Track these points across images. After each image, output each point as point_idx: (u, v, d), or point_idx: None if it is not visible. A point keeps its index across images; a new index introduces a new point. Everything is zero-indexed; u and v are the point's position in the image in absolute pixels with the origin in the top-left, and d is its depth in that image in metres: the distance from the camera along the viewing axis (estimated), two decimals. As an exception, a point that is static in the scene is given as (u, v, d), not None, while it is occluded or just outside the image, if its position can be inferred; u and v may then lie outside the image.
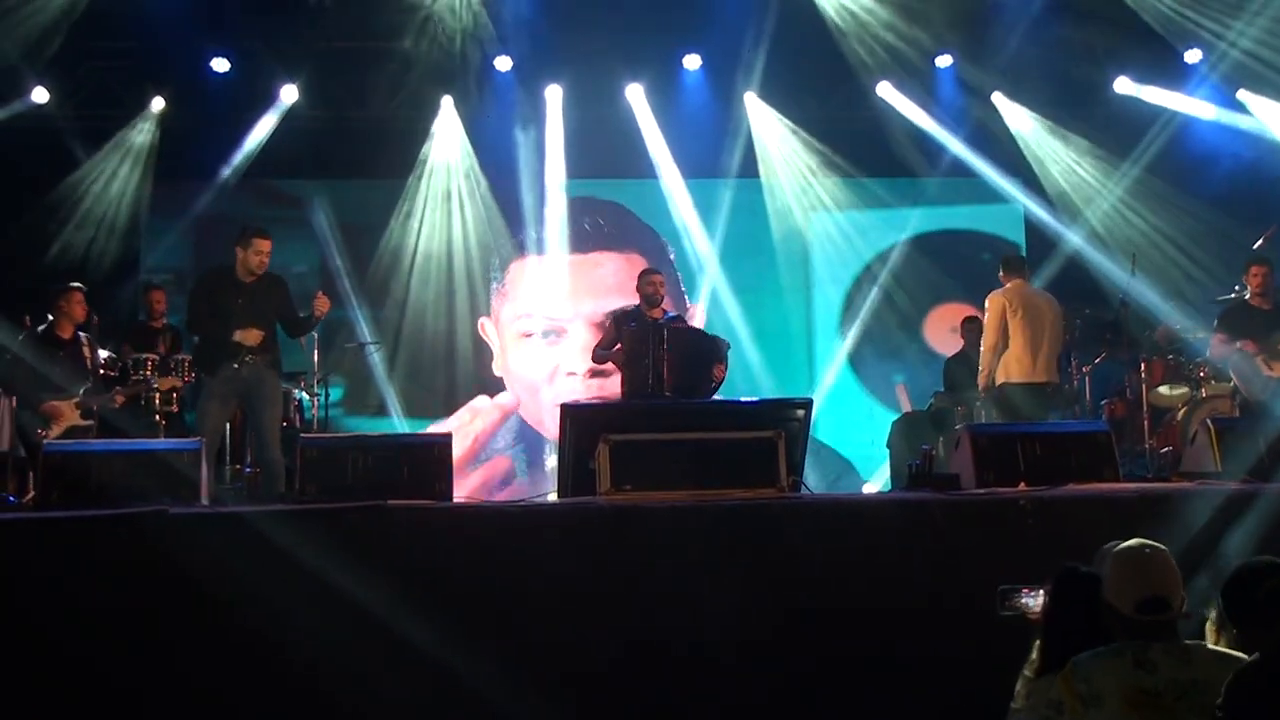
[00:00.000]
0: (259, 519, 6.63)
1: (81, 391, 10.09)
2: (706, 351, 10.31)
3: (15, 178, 13.57)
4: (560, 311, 14.94)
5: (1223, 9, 13.06)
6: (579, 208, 15.12)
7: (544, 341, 14.93)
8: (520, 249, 15.01)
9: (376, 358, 14.05)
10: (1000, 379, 10.87)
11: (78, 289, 10.52)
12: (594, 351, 10.98)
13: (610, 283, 14.75)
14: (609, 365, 10.96)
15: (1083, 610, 4.29)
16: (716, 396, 10.30)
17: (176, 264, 14.08)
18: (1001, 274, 11.11)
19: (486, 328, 14.92)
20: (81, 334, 10.39)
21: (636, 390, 10.04)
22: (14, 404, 9.78)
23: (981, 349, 11.05)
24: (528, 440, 14.81)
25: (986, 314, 11.02)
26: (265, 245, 9.66)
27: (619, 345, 10.41)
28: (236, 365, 9.38)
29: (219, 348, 9.45)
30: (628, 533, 6.71)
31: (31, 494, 8.76)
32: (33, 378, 9.95)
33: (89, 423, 10.04)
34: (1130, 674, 3.91)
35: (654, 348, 10.10)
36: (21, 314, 10.46)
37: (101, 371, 10.48)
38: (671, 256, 15.09)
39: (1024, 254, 11.38)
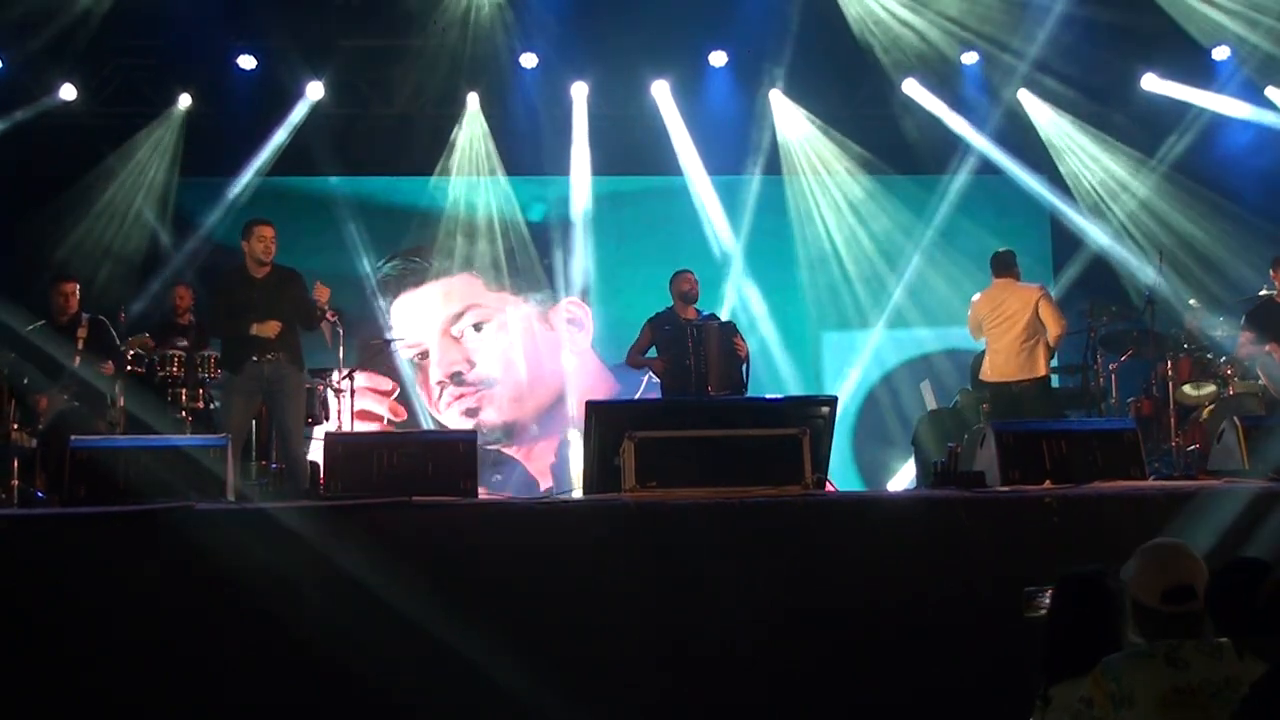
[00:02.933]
0: (284, 515, 6.66)
1: (66, 376, 10.01)
2: (729, 336, 10.64)
3: (43, 175, 13.65)
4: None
5: (1251, 6, 13.01)
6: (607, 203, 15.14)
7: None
8: (548, 241, 15.00)
9: (401, 354, 14.08)
10: (983, 377, 11.19)
11: (62, 278, 10.49)
12: (629, 356, 11.01)
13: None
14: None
15: (1087, 613, 4.27)
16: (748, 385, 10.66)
17: (203, 260, 14.07)
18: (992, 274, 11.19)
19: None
20: (85, 316, 10.32)
21: (678, 391, 10.38)
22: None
23: None
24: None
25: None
26: (268, 231, 9.73)
27: (655, 350, 10.69)
28: (257, 360, 9.43)
29: (241, 344, 9.49)
30: (652, 530, 6.73)
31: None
32: (33, 370, 9.97)
33: (76, 404, 9.97)
34: (1163, 673, 3.89)
35: (693, 348, 10.28)
36: (47, 309, 10.50)
37: (130, 358, 10.49)
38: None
39: (1014, 253, 11.29)
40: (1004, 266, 11.05)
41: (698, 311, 10.87)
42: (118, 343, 10.51)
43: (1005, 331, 10.80)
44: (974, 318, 11.15)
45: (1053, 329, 10.74)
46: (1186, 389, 11.69)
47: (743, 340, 10.71)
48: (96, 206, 13.75)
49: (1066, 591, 4.40)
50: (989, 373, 11.05)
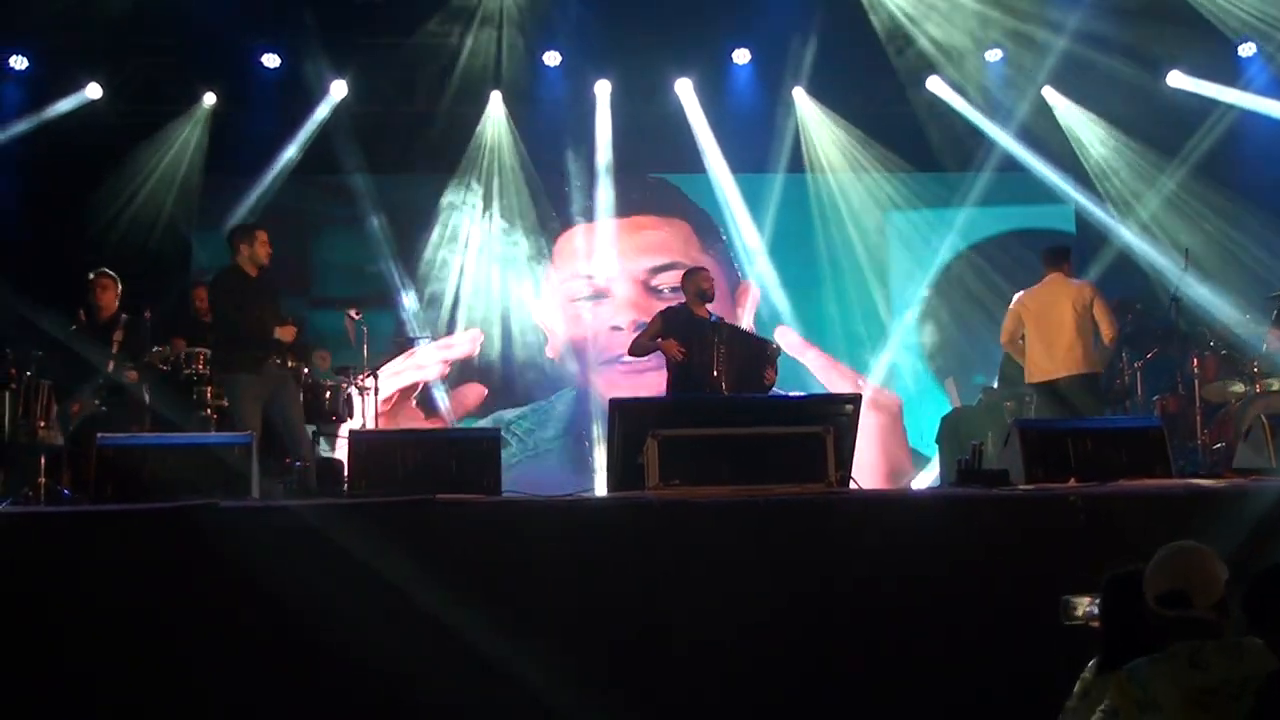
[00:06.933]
0: (309, 513, 6.69)
1: (100, 380, 10.05)
2: (758, 353, 10.28)
3: (68, 173, 13.68)
4: (606, 272, 14.97)
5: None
6: (630, 183, 15.13)
7: (590, 304, 14.92)
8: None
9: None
10: (1029, 380, 10.91)
11: (100, 274, 10.49)
12: (634, 343, 10.57)
13: (654, 242, 14.77)
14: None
15: (1135, 612, 4.26)
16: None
17: (227, 259, 14.11)
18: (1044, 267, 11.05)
19: (544, 319, 14.94)
20: (124, 316, 10.33)
21: (687, 385, 9.98)
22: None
23: None
24: (580, 406, 14.73)
25: None
26: (266, 236, 9.92)
27: (666, 339, 10.13)
28: (267, 363, 9.53)
29: (258, 346, 9.55)
30: (676, 527, 6.73)
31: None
32: (68, 372, 10.01)
33: (103, 409, 10.02)
34: (1186, 675, 3.87)
35: (709, 344, 10.01)
36: (75, 309, 10.54)
37: (150, 360, 10.49)
38: (723, 237, 15.11)
39: (1070, 248, 11.18)
40: (1056, 260, 10.89)
41: (709, 313, 10.55)
42: (146, 347, 10.53)
43: (1059, 329, 10.56)
44: (1014, 317, 10.86)
45: (1106, 330, 10.52)
46: (1213, 386, 11.65)
47: (774, 371, 10.19)
48: (121, 205, 13.78)
49: (1117, 591, 4.38)
50: (1038, 372, 10.71)
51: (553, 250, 15.02)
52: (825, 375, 14.55)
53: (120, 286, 10.61)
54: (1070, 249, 11.19)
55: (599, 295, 14.90)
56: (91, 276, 10.57)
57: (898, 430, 14.57)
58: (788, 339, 14.20)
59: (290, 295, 13.79)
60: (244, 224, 10.26)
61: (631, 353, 10.66)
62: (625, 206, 15.10)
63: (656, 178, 15.24)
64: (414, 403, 14.46)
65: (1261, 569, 4.01)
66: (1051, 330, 10.56)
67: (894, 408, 14.62)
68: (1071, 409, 10.35)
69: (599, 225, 15.05)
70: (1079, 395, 10.46)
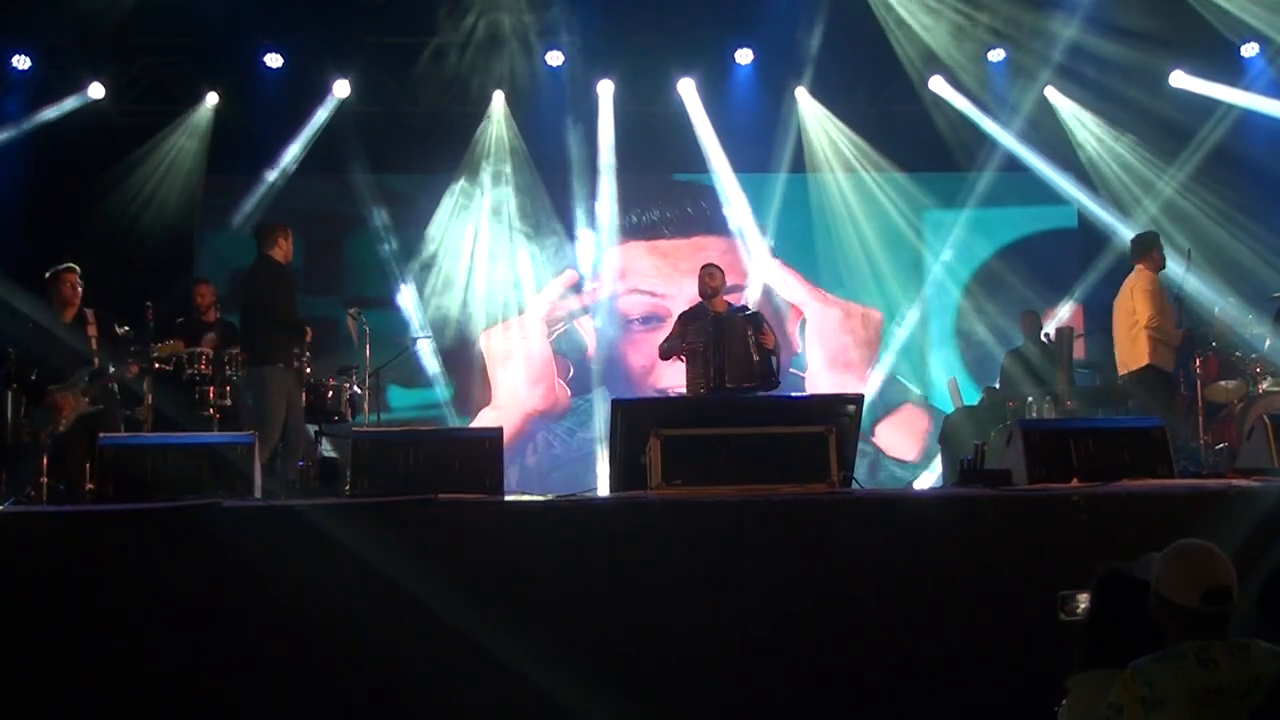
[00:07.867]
0: (311, 512, 6.69)
1: (88, 378, 9.78)
2: (746, 325, 10.62)
3: (72, 172, 13.71)
4: (667, 291, 14.91)
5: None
6: (683, 195, 15.18)
7: (644, 327, 14.88)
8: (573, 239, 14.97)
9: (424, 352, 14.12)
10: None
11: (64, 270, 10.13)
12: (660, 347, 11.06)
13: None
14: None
15: (1128, 612, 4.26)
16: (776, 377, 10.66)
17: (230, 257, 14.13)
18: None
19: (583, 321, 14.95)
20: (88, 311, 10.17)
21: (698, 385, 10.47)
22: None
23: None
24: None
25: None
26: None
27: (683, 337, 10.73)
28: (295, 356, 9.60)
29: (293, 340, 9.61)
30: (679, 527, 6.73)
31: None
32: (40, 367, 9.84)
33: (99, 407, 9.76)
34: (1195, 674, 3.86)
35: (711, 342, 10.39)
36: (50, 303, 10.44)
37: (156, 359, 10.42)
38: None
39: (1152, 236, 11.12)
40: (1135, 251, 10.91)
41: (728, 304, 10.88)
42: (120, 338, 10.38)
43: (1118, 325, 10.70)
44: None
45: (1140, 314, 10.49)
46: (1216, 386, 11.63)
47: (770, 332, 10.64)
48: (124, 204, 13.78)
49: (1112, 589, 4.38)
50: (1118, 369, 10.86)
51: (605, 261, 15.00)
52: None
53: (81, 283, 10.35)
54: (1152, 237, 11.10)
55: (654, 318, 14.81)
56: (48, 275, 10.12)
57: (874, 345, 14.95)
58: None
59: (327, 296, 13.85)
60: (273, 220, 10.23)
61: (661, 357, 11.15)
62: (684, 224, 15.16)
63: (710, 186, 15.14)
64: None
65: (1275, 567, 4.01)
66: (1115, 326, 10.66)
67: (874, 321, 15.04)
68: (1128, 407, 10.38)
69: (661, 245, 15.12)
70: (1135, 392, 10.49)
